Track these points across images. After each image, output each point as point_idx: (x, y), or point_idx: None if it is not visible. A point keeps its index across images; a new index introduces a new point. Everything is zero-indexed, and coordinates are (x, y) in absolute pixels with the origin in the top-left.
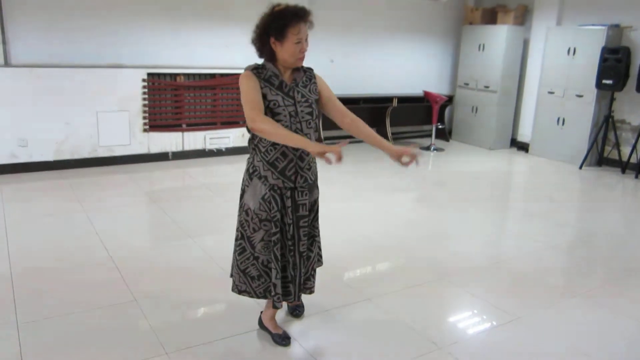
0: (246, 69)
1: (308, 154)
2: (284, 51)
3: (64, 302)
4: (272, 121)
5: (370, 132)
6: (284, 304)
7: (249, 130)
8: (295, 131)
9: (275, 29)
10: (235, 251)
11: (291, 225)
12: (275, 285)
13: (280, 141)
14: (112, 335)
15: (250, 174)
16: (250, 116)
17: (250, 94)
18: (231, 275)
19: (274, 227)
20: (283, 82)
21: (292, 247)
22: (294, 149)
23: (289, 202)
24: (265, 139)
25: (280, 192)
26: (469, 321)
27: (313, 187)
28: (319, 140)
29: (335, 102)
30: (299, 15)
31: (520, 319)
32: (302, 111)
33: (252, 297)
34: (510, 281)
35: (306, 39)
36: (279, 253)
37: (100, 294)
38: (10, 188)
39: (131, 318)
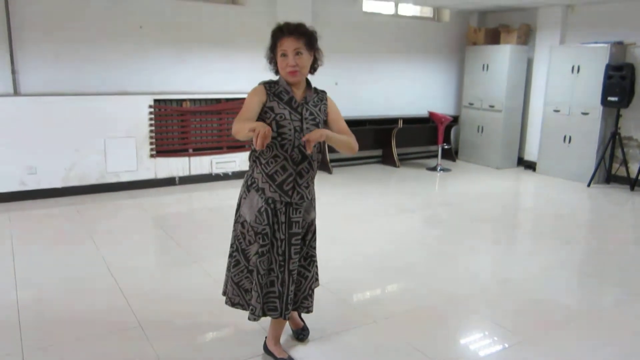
0: (260, 82)
1: (308, 171)
2: (279, 65)
3: (70, 329)
4: (241, 120)
5: (343, 137)
6: (289, 328)
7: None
8: (298, 146)
9: (270, 43)
10: (229, 264)
11: (283, 242)
12: (251, 297)
13: (243, 135)
14: None
15: (249, 185)
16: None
17: (244, 107)
18: (224, 293)
19: (262, 240)
20: (293, 99)
21: (282, 263)
22: (294, 163)
23: (282, 218)
24: (266, 152)
25: (274, 206)
26: (475, 343)
27: (310, 207)
28: (323, 162)
29: (339, 123)
30: (282, 30)
31: (527, 340)
32: (307, 128)
33: (245, 309)
34: (518, 302)
35: (296, 54)
36: (263, 267)
37: (105, 320)
38: (19, 215)
39: (136, 344)
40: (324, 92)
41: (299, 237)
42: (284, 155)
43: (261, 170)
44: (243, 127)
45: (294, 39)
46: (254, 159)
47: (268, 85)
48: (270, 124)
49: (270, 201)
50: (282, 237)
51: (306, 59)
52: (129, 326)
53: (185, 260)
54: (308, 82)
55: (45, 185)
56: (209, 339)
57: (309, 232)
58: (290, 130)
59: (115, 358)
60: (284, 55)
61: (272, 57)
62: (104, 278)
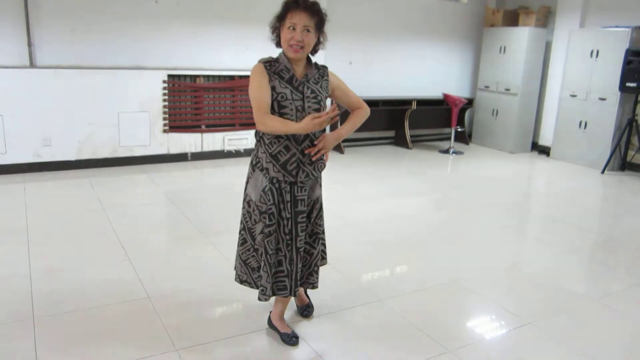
0: (259, 60)
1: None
2: (282, 37)
3: (79, 299)
4: (278, 118)
5: (350, 117)
6: (294, 304)
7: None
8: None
9: (280, 13)
10: (238, 242)
11: (289, 220)
12: (260, 277)
13: (289, 132)
14: (124, 331)
15: (254, 165)
16: (257, 119)
17: (257, 91)
18: (235, 268)
19: (269, 220)
20: (294, 77)
21: (289, 242)
22: (296, 142)
23: (287, 197)
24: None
25: (279, 185)
26: (479, 325)
27: (315, 184)
28: None
29: (348, 96)
30: (298, 3)
31: (532, 323)
32: (309, 107)
33: (252, 287)
34: (525, 286)
35: (304, 30)
36: (271, 247)
37: (114, 291)
38: (33, 186)
39: (144, 315)
40: (324, 67)
41: (304, 214)
42: (286, 135)
43: (265, 150)
44: (287, 126)
45: (307, 15)
46: (258, 138)
47: (268, 64)
48: (272, 104)
49: (274, 181)
50: (288, 215)
51: (312, 38)
52: (138, 297)
53: (196, 235)
54: (308, 58)
55: (60, 158)
56: (215, 313)
57: (314, 209)
58: (292, 110)
59: (123, 329)
60: (292, 28)
61: (277, 27)
62: (114, 250)
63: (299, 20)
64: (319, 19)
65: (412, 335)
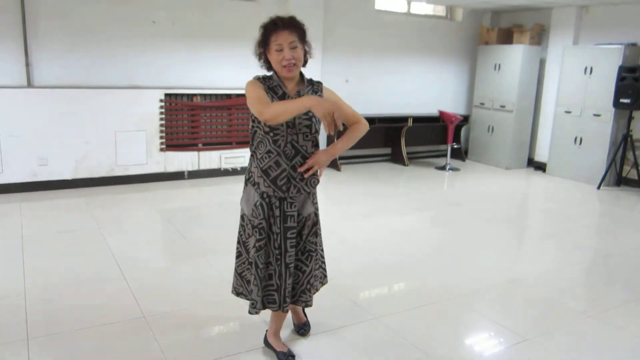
0: (254, 77)
1: (302, 165)
2: (272, 60)
3: (75, 318)
4: (278, 102)
5: (346, 133)
6: (291, 322)
7: (251, 137)
8: (291, 141)
9: (262, 39)
10: (235, 255)
11: (278, 235)
12: (251, 292)
13: (294, 113)
14: (119, 352)
15: (247, 180)
16: (258, 110)
17: (255, 94)
18: (233, 281)
19: (259, 235)
20: (286, 94)
21: (278, 257)
22: (287, 158)
23: (277, 212)
24: (262, 146)
25: (269, 200)
26: (476, 342)
27: (306, 201)
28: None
29: (341, 106)
30: (277, 24)
31: (530, 340)
32: (299, 123)
33: (248, 299)
34: (522, 302)
35: (292, 48)
36: (261, 260)
37: (110, 310)
38: (29, 205)
39: (140, 335)
40: (319, 83)
41: (294, 231)
42: (277, 150)
43: (257, 164)
44: (287, 104)
45: (290, 32)
46: (251, 153)
47: (262, 79)
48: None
49: (265, 195)
50: (277, 230)
51: (300, 52)
52: (133, 317)
53: (192, 253)
54: (301, 75)
55: (56, 177)
56: (211, 332)
57: (305, 227)
58: (282, 125)
59: (118, 348)
60: (279, 50)
61: (262, 52)
62: (110, 269)
63: (284, 39)
64: (300, 33)
65: (409, 354)
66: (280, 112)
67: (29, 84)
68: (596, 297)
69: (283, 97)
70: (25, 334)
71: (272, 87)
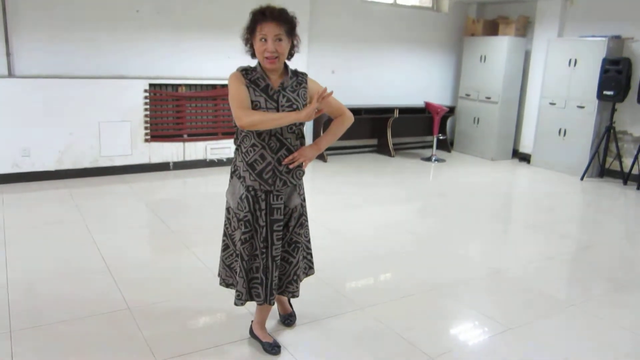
0: (237, 69)
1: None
2: (256, 48)
3: (58, 310)
4: (257, 112)
5: (331, 127)
6: (277, 313)
7: (235, 131)
8: (275, 134)
9: (249, 25)
10: (221, 247)
11: (264, 228)
12: (237, 283)
13: (272, 126)
14: (104, 343)
15: (232, 172)
16: (236, 115)
17: (236, 94)
18: (218, 275)
19: (244, 227)
20: (269, 86)
21: (264, 250)
22: (272, 151)
23: (263, 205)
24: (247, 140)
25: (255, 193)
26: (461, 331)
27: (292, 193)
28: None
29: (330, 103)
30: (265, 14)
31: (513, 329)
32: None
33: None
34: (506, 292)
35: (276, 40)
36: (246, 253)
37: (94, 302)
38: (12, 197)
39: (124, 327)
40: (304, 74)
41: (281, 223)
42: (261, 144)
43: (242, 158)
44: (265, 116)
45: (276, 24)
46: (237, 147)
47: (244, 72)
48: None
49: (250, 189)
50: (263, 223)
51: (285, 45)
52: (118, 308)
53: (177, 245)
54: (286, 66)
55: (39, 168)
56: (197, 323)
57: (292, 218)
58: None
59: (103, 340)
60: (264, 40)
61: (249, 38)
62: (94, 261)
63: (269, 31)
64: (288, 27)
65: (395, 343)
66: (257, 122)
67: (10, 74)
68: (579, 287)
69: (266, 89)
70: (7, 326)
71: (255, 79)
